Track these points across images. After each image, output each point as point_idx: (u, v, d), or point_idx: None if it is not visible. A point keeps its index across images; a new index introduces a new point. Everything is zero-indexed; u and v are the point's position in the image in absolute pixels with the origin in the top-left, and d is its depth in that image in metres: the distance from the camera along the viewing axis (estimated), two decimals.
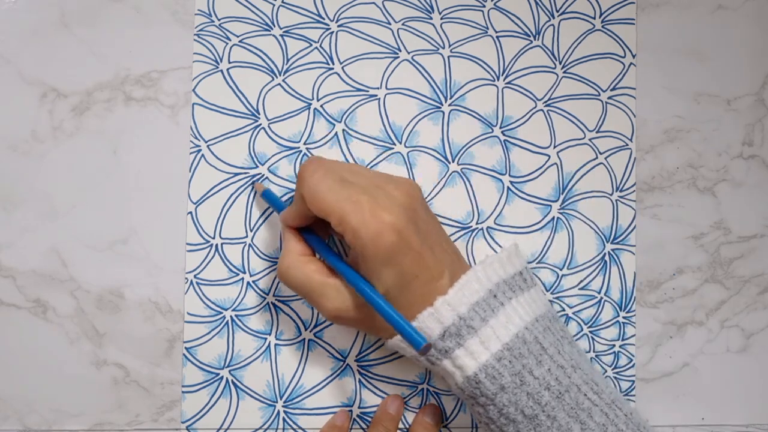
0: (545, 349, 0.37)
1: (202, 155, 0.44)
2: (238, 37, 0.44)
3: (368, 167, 0.44)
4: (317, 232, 0.41)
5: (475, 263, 0.45)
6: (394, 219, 0.36)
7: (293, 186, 0.44)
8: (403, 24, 0.45)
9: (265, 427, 0.44)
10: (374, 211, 0.35)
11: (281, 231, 0.41)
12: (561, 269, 0.46)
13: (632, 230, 0.46)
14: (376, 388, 0.44)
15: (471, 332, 0.36)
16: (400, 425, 0.44)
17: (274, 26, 0.45)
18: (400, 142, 0.45)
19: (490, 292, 0.37)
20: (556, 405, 0.36)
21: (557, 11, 0.46)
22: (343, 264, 0.38)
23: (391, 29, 0.45)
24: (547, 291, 0.45)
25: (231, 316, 0.43)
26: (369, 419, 0.44)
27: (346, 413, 0.43)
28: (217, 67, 0.44)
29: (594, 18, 0.47)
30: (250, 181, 0.43)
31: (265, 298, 0.44)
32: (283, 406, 0.44)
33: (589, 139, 0.46)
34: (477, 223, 0.45)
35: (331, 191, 0.36)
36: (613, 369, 0.46)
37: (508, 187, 0.46)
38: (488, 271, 0.38)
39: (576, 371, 0.37)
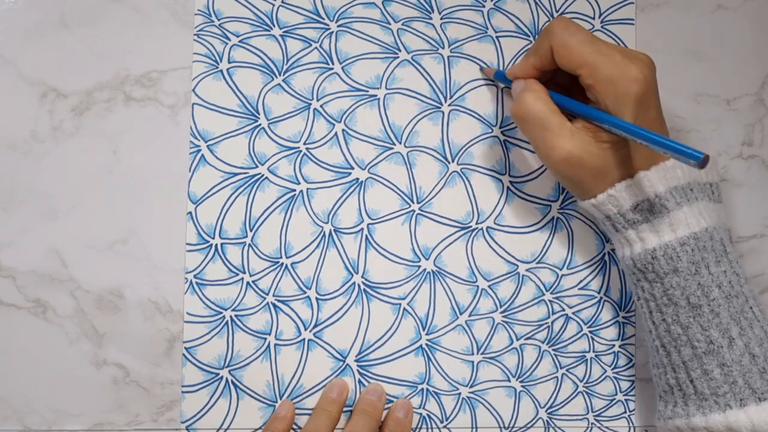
0: (727, 253, 0.38)
1: (202, 155, 0.44)
2: (238, 37, 0.44)
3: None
4: None
5: (475, 264, 0.45)
6: (646, 72, 0.37)
7: (293, 186, 0.44)
8: (403, 24, 0.45)
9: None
10: (626, 63, 0.37)
11: (513, 81, 0.42)
12: (561, 269, 0.46)
13: None
14: None
15: (663, 212, 0.37)
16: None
17: (274, 26, 0.45)
18: (400, 142, 0.45)
19: (688, 185, 0.39)
20: (723, 303, 0.37)
21: (557, 11, 0.46)
22: (588, 106, 0.39)
23: (391, 29, 0.45)
24: (547, 291, 0.45)
25: (231, 316, 0.43)
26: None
27: (288, 402, 0.43)
28: (217, 67, 0.44)
29: (594, 18, 0.47)
30: None
31: (265, 298, 0.44)
32: None
33: None
34: (477, 223, 0.45)
35: (583, 44, 0.38)
36: (613, 369, 0.46)
37: (507, 187, 0.46)
38: (693, 168, 0.39)
39: (748, 284, 0.38)
